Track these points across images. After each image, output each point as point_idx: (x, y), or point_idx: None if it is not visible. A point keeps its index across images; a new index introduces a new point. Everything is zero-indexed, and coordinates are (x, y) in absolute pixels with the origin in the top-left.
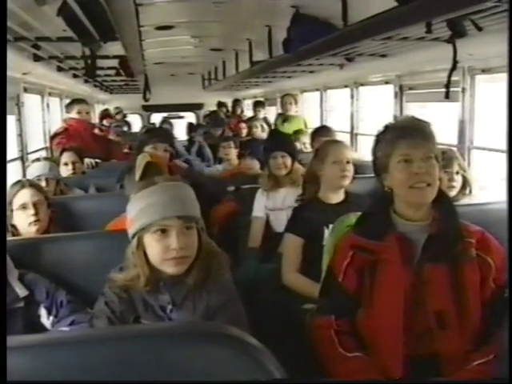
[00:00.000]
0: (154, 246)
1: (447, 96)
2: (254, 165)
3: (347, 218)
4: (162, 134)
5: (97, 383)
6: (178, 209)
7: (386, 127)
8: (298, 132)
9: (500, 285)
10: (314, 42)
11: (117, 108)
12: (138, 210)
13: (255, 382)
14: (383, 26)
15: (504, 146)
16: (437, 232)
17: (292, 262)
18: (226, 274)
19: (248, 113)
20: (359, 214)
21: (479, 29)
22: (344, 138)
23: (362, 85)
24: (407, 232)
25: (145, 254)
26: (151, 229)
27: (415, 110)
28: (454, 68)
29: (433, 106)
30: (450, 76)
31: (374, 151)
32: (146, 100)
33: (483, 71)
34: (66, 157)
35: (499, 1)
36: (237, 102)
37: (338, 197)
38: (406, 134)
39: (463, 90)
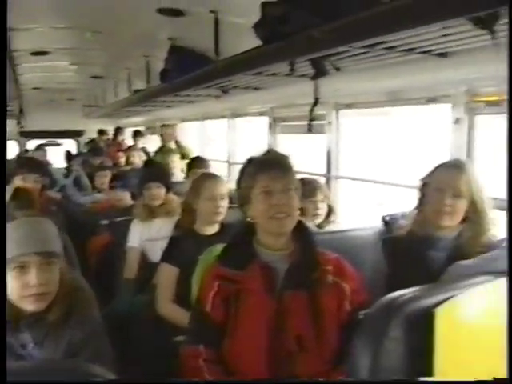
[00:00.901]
0: (13, 283)
1: (310, 129)
2: (124, 196)
3: (215, 248)
4: (33, 163)
5: (97, 383)
6: (37, 245)
7: (249, 160)
8: (174, 162)
9: (355, 307)
10: (189, 74)
11: None
12: None
13: (258, 382)
14: (251, 62)
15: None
16: (296, 260)
17: (166, 293)
18: (90, 309)
19: (130, 141)
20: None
21: (337, 69)
22: (222, 167)
23: (239, 116)
24: (270, 261)
25: None
26: (10, 265)
27: (290, 141)
28: (315, 104)
29: (308, 138)
30: (311, 111)
31: (238, 183)
32: (20, 126)
33: (347, 106)
34: None
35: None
36: (118, 130)
37: (212, 228)
38: (266, 167)
39: (329, 123)
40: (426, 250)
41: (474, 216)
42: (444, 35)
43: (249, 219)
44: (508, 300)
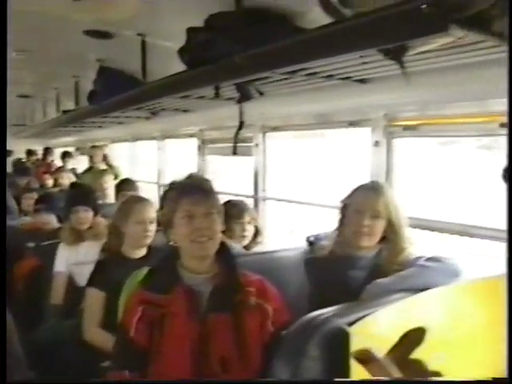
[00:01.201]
0: None
1: (235, 152)
2: (50, 220)
3: (140, 272)
4: None
5: (96, 383)
6: None
7: (171, 185)
8: (107, 183)
9: (278, 327)
10: (117, 96)
11: None
12: None
13: (257, 382)
14: (177, 86)
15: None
16: (220, 283)
17: (93, 318)
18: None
19: (60, 162)
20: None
21: (261, 93)
22: (151, 188)
23: (169, 137)
24: (193, 284)
25: None
26: None
27: (219, 162)
28: (240, 128)
29: (237, 159)
30: (236, 134)
31: (161, 207)
32: None
33: (274, 129)
34: None
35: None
36: (47, 151)
37: (140, 252)
38: (188, 191)
39: (256, 145)
40: (346, 270)
41: (391, 235)
42: (363, 63)
43: (172, 243)
44: (508, 300)
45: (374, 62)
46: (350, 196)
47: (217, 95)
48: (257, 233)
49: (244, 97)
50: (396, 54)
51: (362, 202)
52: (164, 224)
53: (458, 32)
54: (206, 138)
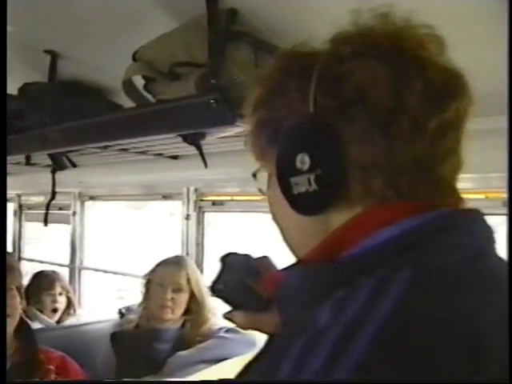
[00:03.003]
0: None
1: (46, 221)
2: None
3: None
4: None
5: (95, 383)
6: None
7: None
8: None
9: None
10: None
11: None
12: None
13: (252, 382)
14: None
15: None
16: (18, 361)
17: None
18: None
19: None
20: None
21: (73, 165)
22: None
23: None
24: None
25: None
26: None
27: (37, 228)
28: (52, 198)
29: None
30: (48, 204)
31: None
32: None
33: (91, 198)
34: None
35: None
36: None
37: None
38: None
39: (74, 213)
40: (151, 343)
41: (194, 307)
42: (172, 142)
43: None
44: (508, 300)
45: (181, 142)
46: (152, 271)
47: (28, 163)
48: (69, 304)
49: (58, 166)
50: (194, 139)
51: (165, 276)
52: None
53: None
54: (24, 203)
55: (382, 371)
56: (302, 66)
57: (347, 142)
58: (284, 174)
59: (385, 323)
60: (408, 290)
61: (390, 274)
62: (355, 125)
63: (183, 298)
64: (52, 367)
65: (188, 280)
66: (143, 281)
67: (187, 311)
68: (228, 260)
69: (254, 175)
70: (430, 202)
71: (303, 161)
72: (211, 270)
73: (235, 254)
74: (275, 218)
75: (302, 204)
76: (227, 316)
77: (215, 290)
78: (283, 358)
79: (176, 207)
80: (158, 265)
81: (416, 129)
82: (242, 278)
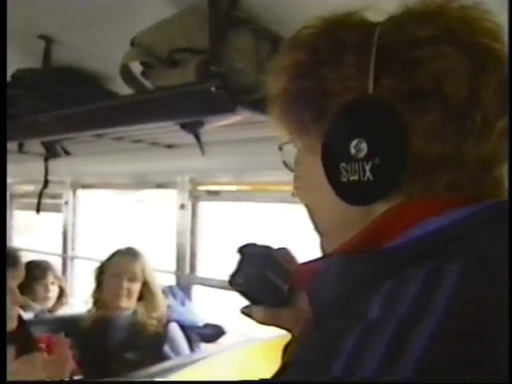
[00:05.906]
0: None
1: (38, 210)
2: None
3: None
4: None
5: (94, 383)
6: None
7: None
8: None
9: None
10: None
11: None
12: None
13: (255, 382)
14: None
15: None
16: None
17: None
18: None
19: None
20: None
21: (66, 152)
22: None
23: None
24: None
25: None
26: None
27: (28, 217)
28: (45, 186)
29: (48, 215)
30: (41, 192)
31: None
32: None
33: (84, 186)
34: None
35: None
36: None
37: None
38: None
39: (66, 202)
40: (107, 331)
41: (147, 295)
42: (168, 131)
43: None
44: (508, 299)
45: (177, 130)
46: (107, 261)
47: (20, 151)
48: (61, 294)
49: (51, 154)
50: (192, 127)
51: (121, 267)
52: None
53: (244, 112)
54: (14, 192)
55: (444, 367)
56: (358, 38)
57: (414, 134)
58: (333, 159)
59: (442, 317)
60: (461, 283)
61: (440, 266)
62: (428, 117)
63: (136, 287)
64: (43, 345)
65: (142, 270)
66: (95, 271)
67: (140, 299)
68: (247, 251)
69: (280, 148)
70: (476, 194)
71: (359, 148)
72: (205, 259)
73: (254, 244)
74: (301, 195)
75: (351, 193)
76: (245, 311)
77: (234, 283)
78: (332, 355)
79: (170, 196)
80: (113, 255)
81: (487, 127)
82: (263, 271)
